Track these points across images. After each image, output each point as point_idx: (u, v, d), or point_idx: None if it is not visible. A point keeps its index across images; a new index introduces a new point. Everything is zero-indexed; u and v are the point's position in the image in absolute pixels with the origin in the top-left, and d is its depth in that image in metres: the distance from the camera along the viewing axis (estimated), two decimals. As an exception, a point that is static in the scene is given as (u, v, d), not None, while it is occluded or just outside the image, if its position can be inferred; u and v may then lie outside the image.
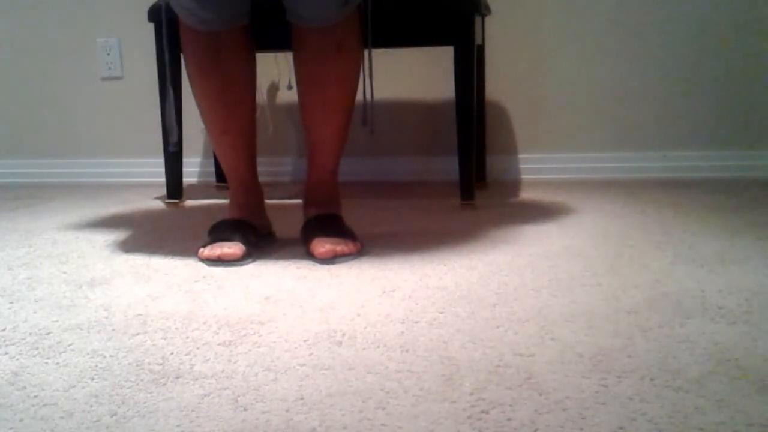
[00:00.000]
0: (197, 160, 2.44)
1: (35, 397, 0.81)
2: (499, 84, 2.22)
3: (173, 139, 1.57)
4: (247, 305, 1.10)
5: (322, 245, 1.34)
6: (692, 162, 2.17)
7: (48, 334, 1.01)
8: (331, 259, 1.32)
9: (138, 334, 1.00)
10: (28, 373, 0.88)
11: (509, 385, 0.80)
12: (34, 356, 0.93)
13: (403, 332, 0.97)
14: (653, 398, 0.76)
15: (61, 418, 0.76)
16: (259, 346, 0.94)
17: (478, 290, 1.14)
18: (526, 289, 1.14)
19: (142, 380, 0.85)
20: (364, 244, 1.42)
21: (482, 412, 0.74)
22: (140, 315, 1.07)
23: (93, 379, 0.86)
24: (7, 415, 0.77)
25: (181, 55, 1.46)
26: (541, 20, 2.19)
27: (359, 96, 1.44)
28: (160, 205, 2.01)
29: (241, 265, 1.33)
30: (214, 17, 1.33)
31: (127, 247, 1.51)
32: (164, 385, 0.83)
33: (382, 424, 0.72)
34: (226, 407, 0.77)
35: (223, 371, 0.87)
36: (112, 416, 0.76)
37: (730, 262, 1.25)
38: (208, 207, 1.96)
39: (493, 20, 2.18)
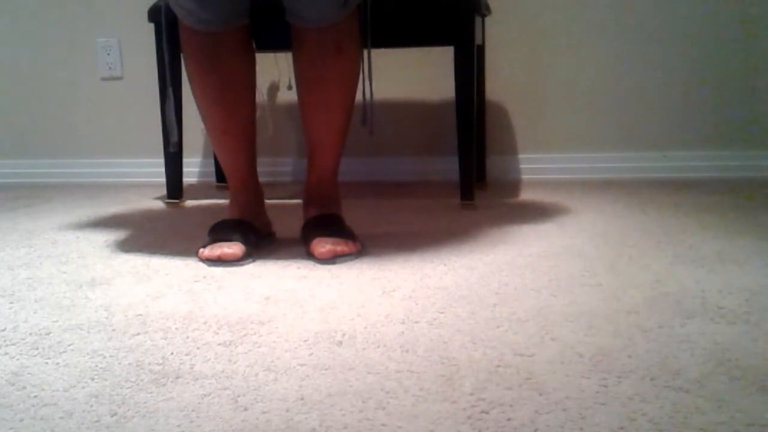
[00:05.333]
0: (197, 160, 2.44)
1: (35, 397, 0.81)
2: (499, 84, 2.22)
3: (173, 139, 1.57)
4: (247, 305, 1.10)
5: (323, 245, 1.34)
6: (692, 162, 2.17)
7: (48, 334, 1.01)
8: (331, 259, 1.32)
9: (138, 334, 1.00)
10: (28, 373, 0.88)
11: (509, 385, 0.80)
12: (34, 356, 0.93)
13: (403, 332, 0.97)
14: (653, 398, 0.76)
15: (61, 418, 0.76)
16: (259, 346, 0.94)
17: (479, 290, 1.14)
18: (526, 289, 1.14)
19: (142, 380, 0.85)
20: (364, 244, 1.42)
21: (482, 412, 0.74)
22: (140, 315, 1.07)
23: (93, 379, 0.86)
24: (7, 415, 0.77)
25: (181, 55, 1.46)
26: (541, 20, 2.19)
27: (359, 96, 1.44)
28: (160, 205, 2.01)
29: (241, 265, 1.33)
30: (214, 17, 1.33)
31: (127, 247, 1.51)
32: (164, 385, 0.83)
33: (382, 424, 0.72)
34: (226, 407, 0.77)
35: (223, 371, 0.87)
36: (112, 416, 0.76)
37: (730, 262, 1.25)
38: (208, 207, 1.96)
39: (493, 20, 2.18)
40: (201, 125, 1.68)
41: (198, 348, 0.94)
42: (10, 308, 1.13)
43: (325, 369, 0.86)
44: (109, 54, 2.45)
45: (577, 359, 0.86)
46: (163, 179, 2.03)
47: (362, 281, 1.21)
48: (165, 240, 1.56)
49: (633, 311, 1.02)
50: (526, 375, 0.83)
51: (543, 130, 2.24)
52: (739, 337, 0.92)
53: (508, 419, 0.72)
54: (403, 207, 1.86)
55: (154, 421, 0.75)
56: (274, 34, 1.52)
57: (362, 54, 1.43)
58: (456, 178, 1.85)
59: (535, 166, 2.25)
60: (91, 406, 0.79)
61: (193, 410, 0.77)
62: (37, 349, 0.96)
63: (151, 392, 0.82)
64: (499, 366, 0.85)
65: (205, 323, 1.03)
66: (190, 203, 2.03)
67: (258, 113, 1.56)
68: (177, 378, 0.85)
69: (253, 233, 1.41)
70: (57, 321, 1.06)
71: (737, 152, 2.15)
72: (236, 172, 1.46)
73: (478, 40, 1.91)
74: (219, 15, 1.33)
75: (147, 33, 1.99)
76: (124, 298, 1.16)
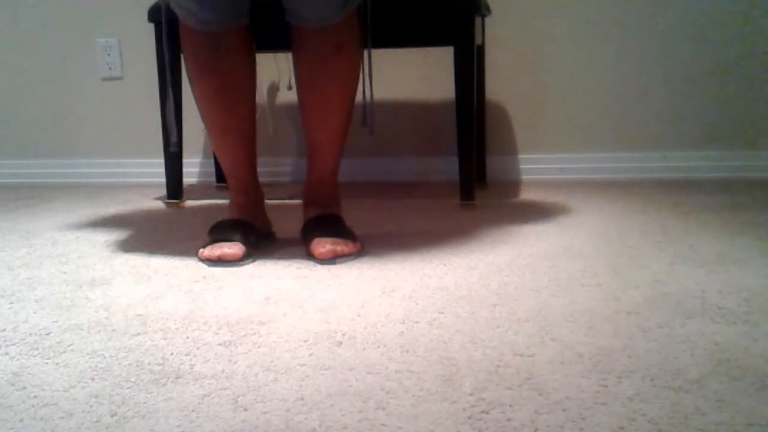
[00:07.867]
0: (197, 160, 2.44)
1: (35, 397, 0.81)
2: (499, 84, 2.22)
3: (173, 139, 1.57)
4: (247, 305, 1.10)
5: (322, 245, 1.34)
6: (692, 162, 2.17)
7: (48, 334, 1.01)
8: (331, 259, 1.32)
9: (138, 334, 1.00)
10: (28, 374, 0.88)
11: (509, 385, 0.80)
12: (34, 356, 0.93)
13: (403, 332, 0.97)
14: (653, 398, 0.76)
15: (61, 418, 0.76)
16: (259, 347, 0.94)
17: (478, 290, 1.14)
18: (526, 289, 1.14)
19: (142, 380, 0.85)
20: (364, 244, 1.42)
21: (482, 412, 0.74)
22: (140, 315, 1.07)
23: (93, 379, 0.86)
24: (7, 415, 0.77)
25: (181, 56, 1.46)
26: (541, 20, 2.19)
27: (359, 96, 1.44)
28: (160, 205, 2.01)
29: (241, 265, 1.33)
30: (214, 18, 1.33)
31: (127, 247, 1.51)
32: (164, 385, 0.83)
33: (382, 424, 0.72)
34: (226, 407, 0.77)
35: (223, 371, 0.87)
36: (112, 416, 0.76)
37: (730, 262, 1.25)
38: (208, 207, 1.96)
39: (493, 20, 2.18)
40: (201, 125, 1.68)
41: (198, 348, 0.94)
42: (10, 308, 1.13)
43: (325, 369, 0.86)
44: (109, 54, 2.45)
45: (577, 359, 0.86)
46: (163, 179, 2.03)
47: (362, 281, 1.21)
48: (165, 240, 1.56)
49: (633, 311, 1.02)
50: (526, 375, 0.83)
51: (543, 130, 2.25)
52: (739, 337, 0.92)
53: (508, 419, 0.72)
54: (403, 207, 1.86)
55: (154, 421, 0.75)
56: (274, 34, 1.52)
57: (362, 54, 1.43)
58: (456, 178, 1.85)
59: (535, 166, 2.25)
60: (91, 406, 0.79)
61: (193, 410, 0.77)
62: (37, 349, 0.96)
63: (151, 392, 0.82)
64: (499, 366, 0.85)
65: (205, 323, 1.03)
66: (190, 203, 2.03)
67: (258, 113, 1.56)
68: (177, 378, 0.85)
69: (253, 233, 1.41)
70: (57, 321, 1.06)
71: (737, 152, 2.15)
72: (236, 172, 1.46)
73: (478, 40, 1.91)
74: (219, 15, 1.33)
75: (147, 33, 1.99)
76: (124, 298, 1.16)
